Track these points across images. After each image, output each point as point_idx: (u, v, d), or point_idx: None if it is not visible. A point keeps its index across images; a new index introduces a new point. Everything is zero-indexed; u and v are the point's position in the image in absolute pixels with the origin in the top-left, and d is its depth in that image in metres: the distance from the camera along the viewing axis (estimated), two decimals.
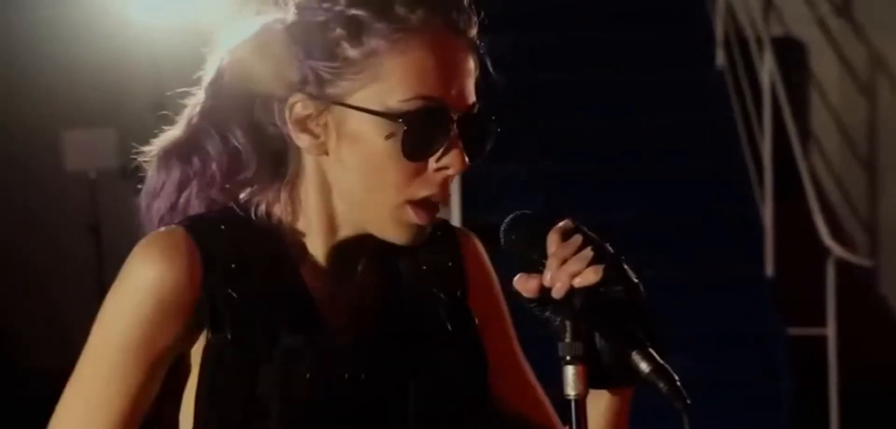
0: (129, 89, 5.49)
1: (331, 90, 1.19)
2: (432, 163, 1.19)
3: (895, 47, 5.86)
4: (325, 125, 1.20)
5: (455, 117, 1.19)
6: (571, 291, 1.14)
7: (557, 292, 1.15)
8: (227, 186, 1.25)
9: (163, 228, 1.23)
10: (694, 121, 5.16)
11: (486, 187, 4.58)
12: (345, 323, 1.23)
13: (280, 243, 1.24)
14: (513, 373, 1.33)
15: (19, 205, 5.92)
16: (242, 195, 1.24)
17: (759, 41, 5.20)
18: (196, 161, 1.26)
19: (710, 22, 5.48)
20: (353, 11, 1.19)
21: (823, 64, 5.94)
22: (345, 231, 1.24)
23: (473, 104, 1.22)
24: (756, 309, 4.68)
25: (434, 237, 1.26)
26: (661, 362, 1.14)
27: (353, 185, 1.21)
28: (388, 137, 1.18)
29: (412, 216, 1.20)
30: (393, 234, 1.22)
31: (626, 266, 1.16)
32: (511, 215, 1.21)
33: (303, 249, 1.24)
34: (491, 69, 1.27)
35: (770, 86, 4.92)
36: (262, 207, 1.24)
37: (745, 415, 4.45)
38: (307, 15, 1.21)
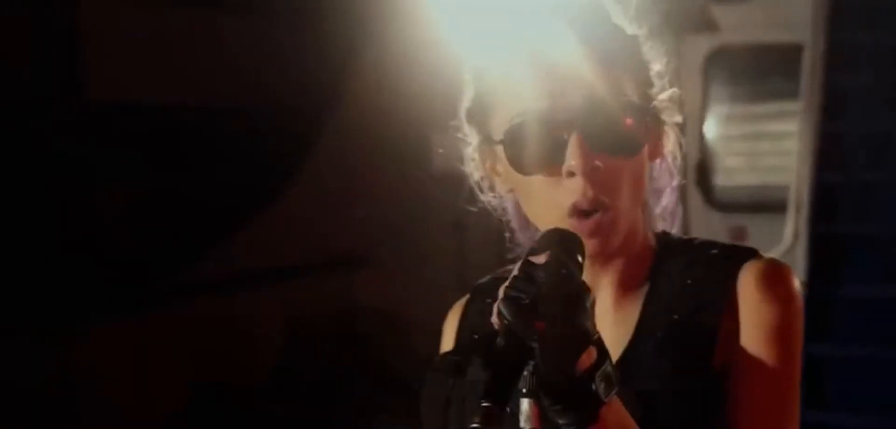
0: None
1: (482, 132, 1.29)
2: (563, 167, 1.19)
3: None
4: (500, 163, 1.28)
5: (566, 119, 1.18)
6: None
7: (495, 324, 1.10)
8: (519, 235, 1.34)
9: None
10: None
11: (843, 197, 4.45)
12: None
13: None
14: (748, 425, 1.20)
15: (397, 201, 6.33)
16: (521, 240, 1.35)
17: None
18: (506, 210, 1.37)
19: None
20: (480, 59, 1.27)
21: None
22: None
23: (602, 95, 1.19)
24: None
25: (713, 259, 1.23)
26: (489, 428, 1.04)
27: (529, 210, 1.27)
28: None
29: (576, 226, 1.20)
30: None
31: (544, 319, 1.07)
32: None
33: None
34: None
35: None
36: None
37: None
38: (468, 76, 1.31)
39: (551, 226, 1.19)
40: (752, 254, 1.25)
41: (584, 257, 1.16)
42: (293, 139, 5.76)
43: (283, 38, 5.40)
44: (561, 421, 1.09)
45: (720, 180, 6.03)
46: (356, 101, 6.14)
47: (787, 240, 4.56)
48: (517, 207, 1.33)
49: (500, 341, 1.08)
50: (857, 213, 4.56)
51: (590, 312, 1.09)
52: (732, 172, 6.17)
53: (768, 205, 5.43)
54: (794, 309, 1.22)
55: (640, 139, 1.21)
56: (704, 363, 1.21)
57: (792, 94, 5.23)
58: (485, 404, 1.05)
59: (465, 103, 1.32)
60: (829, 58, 4.83)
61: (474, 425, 1.05)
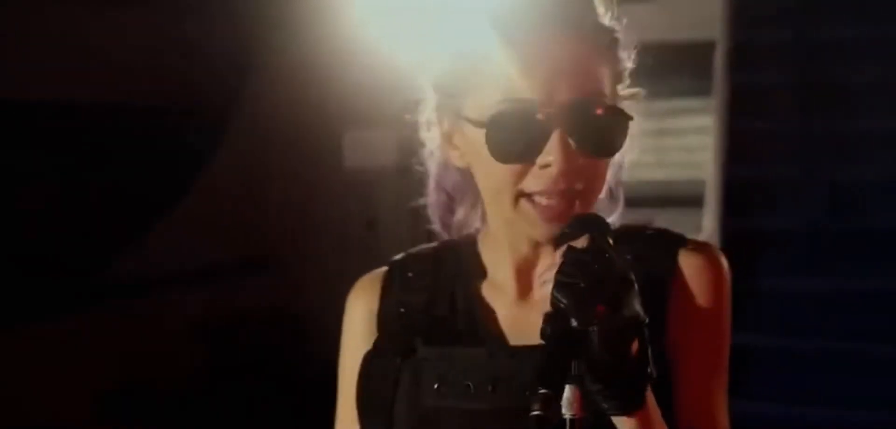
0: (408, 93, 5.73)
1: (454, 104, 1.28)
2: (538, 159, 1.21)
3: None
4: (460, 138, 1.29)
5: (552, 112, 1.20)
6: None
7: (541, 310, 1.12)
8: (452, 210, 1.35)
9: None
10: None
11: (754, 192, 4.52)
12: (526, 332, 1.25)
13: (469, 261, 1.32)
14: (691, 413, 1.23)
15: (308, 201, 6.28)
16: (457, 216, 1.35)
17: None
18: (442, 190, 1.39)
19: None
20: (462, 27, 1.27)
21: None
22: (524, 243, 1.28)
23: (589, 94, 1.22)
24: None
25: (653, 246, 1.27)
26: (548, 415, 1.06)
27: (485, 189, 1.28)
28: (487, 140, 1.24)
29: (529, 208, 1.23)
30: (522, 227, 1.25)
31: (603, 302, 1.09)
32: (577, 216, 1.20)
33: (493, 263, 1.31)
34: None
35: None
36: (467, 229, 1.34)
37: None
38: (442, 39, 1.31)
39: (509, 207, 1.21)
40: (684, 239, 1.29)
41: (614, 240, 1.18)
42: (201, 138, 5.68)
43: (190, 35, 5.31)
44: (606, 405, 1.10)
45: (627, 176, 6.09)
46: (266, 98, 6.07)
47: (705, 232, 4.62)
48: (467, 182, 1.32)
49: (546, 328, 1.09)
50: (768, 207, 4.64)
51: (638, 295, 1.11)
52: (640, 168, 6.24)
53: (675, 200, 5.50)
54: (728, 290, 1.26)
55: (618, 144, 1.24)
56: (658, 340, 1.23)
57: (703, 91, 5.30)
58: (542, 392, 1.06)
59: (438, 72, 1.31)
60: (738, 55, 4.89)
61: (535, 412, 1.06)
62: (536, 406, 1.06)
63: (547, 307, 1.20)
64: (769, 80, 4.86)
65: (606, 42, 1.25)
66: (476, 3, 1.28)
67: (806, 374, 4.25)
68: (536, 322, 1.20)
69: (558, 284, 1.10)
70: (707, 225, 4.63)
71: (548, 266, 1.16)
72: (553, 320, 1.10)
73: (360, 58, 5.73)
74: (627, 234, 1.31)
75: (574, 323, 1.09)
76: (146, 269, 5.33)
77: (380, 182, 5.84)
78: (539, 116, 1.20)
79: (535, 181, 1.22)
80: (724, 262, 1.28)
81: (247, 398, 5.47)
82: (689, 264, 1.26)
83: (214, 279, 5.76)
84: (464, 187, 1.34)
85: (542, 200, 1.21)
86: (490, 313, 1.29)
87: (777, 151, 4.78)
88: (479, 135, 1.23)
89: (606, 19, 1.27)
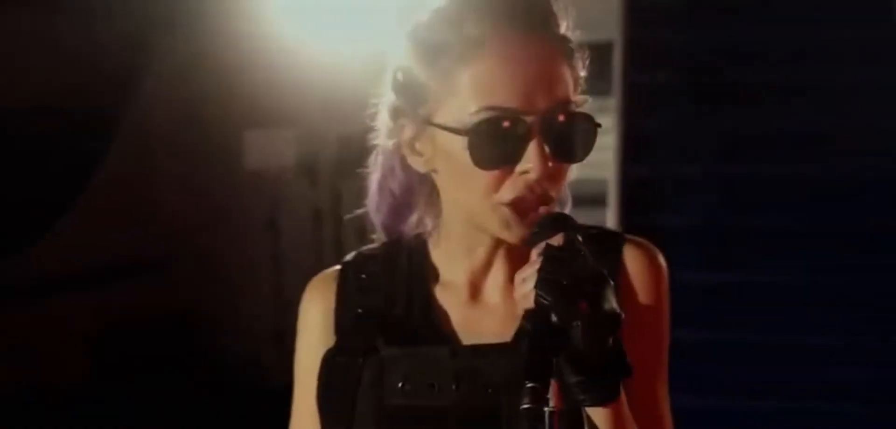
0: (308, 92, 5.68)
1: (420, 111, 1.30)
2: (517, 166, 1.25)
3: None
4: (426, 144, 1.31)
5: (530, 120, 1.23)
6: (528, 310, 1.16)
7: (518, 308, 1.19)
8: (405, 212, 1.37)
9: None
10: (880, 124, 5.03)
11: (653, 189, 4.58)
12: (479, 332, 1.31)
13: (422, 262, 1.34)
14: (636, 405, 1.27)
15: (206, 201, 6.19)
16: (413, 218, 1.37)
17: None
18: (387, 195, 1.39)
19: None
20: (430, 35, 1.29)
21: None
22: (482, 247, 1.33)
23: (561, 102, 1.26)
24: None
25: (599, 243, 1.29)
26: (539, 409, 1.11)
27: (457, 194, 1.31)
28: (465, 148, 1.26)
29: (508, 213, 1.26)
30: (499, 231, 1.30)
31: (585, 299, 1.14)
32: (546, 215, 1.25)
33: (445, 264, 1.34)
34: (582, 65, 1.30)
35: None
36: (421, 228, 1.35)
37: None
38: (407, 44, 1.32)
39: (482, 212, 1.25)
40: (624, 236, 1.35)
41: (583, 238, 1.23)
42: (90, 139, 5.56)
43: (79, 34, 5.20)
44: (583, 397, 1.16)
45: None
46: (161, 97, 5.97)
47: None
48: (421, 186, 1.34)
49: (527, 324, 1.16)
50: (666, 204, 4.72)
51: (613, 290, 1.17)
52: None
53: (580, 199, 5.57)
54: (667, 285, 1.34)
55: (588, 149, 1.27)
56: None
57: (603, 91, 5.37)
58: (531, 385, 1.11)
59: (402, 76, 1.31)
60: (636, 55, 4.96)
61: (525, 406, 1.11)
62: (526, 400, 1.11)
63: (497, 309, 1.28)
64: (667, 80, 4.95)
65: (568, 51, 1.29)
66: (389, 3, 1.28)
67: (702, 364, 4.33)
68: (488, 323, 1.29)
69: (541, 282, 1.15)
70: (610, 223, 4.71)
71: (529, 265, 1.21)
72: (535, 317, 1.15)
73: (261, 56, 5.69)
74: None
75: (555, 319, 1.14)
76: (36, 273, 5.21)
77: (280, 182, 5.79)
78: (520, 124, 1.22)
79: (511, 189, 1.25)
80: (662, 258, 1.34)
81: (141, 402, 5.37)
82: (631, 261, 1.31)
83: (107, 282, 5.65)
84: (417, 191, 1.34)
85: (520, 206, 1.25)
86: (444, 314, 1.32)
87: (674, 149, 4.86)
88: (454, 141, 1.25)
89: (566, 29, 1.32)
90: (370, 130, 1.40)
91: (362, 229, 1.42)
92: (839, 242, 4.67)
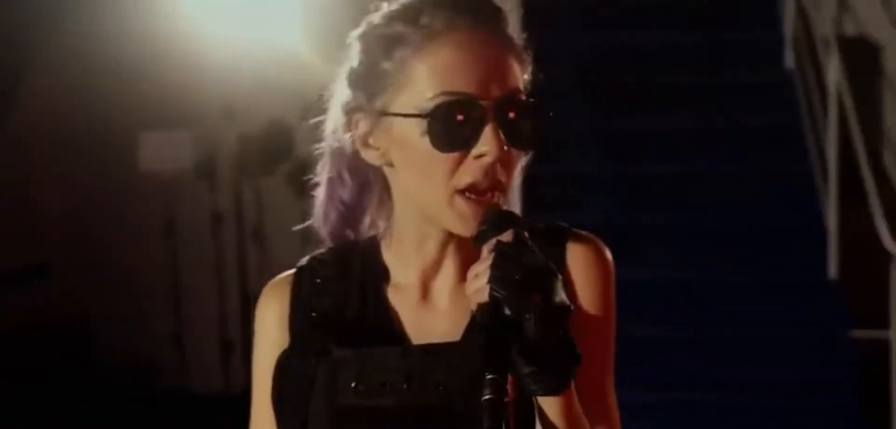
0: (205, 92, 5.62)
1: (376, 103, 1.31)
2: (474, 150, 1.28)
3: None
4: (381, 137, 1.32)
5: (486, 105, 1.27)
6: (484, 304, 1.20)
7: (471, 303, 1.22)
8: (357, 217, 1.37)
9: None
10: (762, 122, 5.17)
11: (552, 187, 4.64)
12: (430, 332, 1.32)
13: (374, 263, 1.36)
14: (584, 397, 1.29)
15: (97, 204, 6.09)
16: (365, 222, 1.37)
17: (826, 42, 5.19)
18: (336, 203, 1.39)
19: (780, 22, 5.48)
20: (387, 30, 1.30)
21: None
22: (432, 241, 1.33)
23: (512, 91, 1.30)
24: (820, 310, 4.69)
25: (544, 238, 1.31)
26: (500, 399, 1.15)
27: (411, 184, 1.31)
28: (423, 134, 1.28)
29: (464, 205, 1.28)
30: (454, 224, 1.30)
31: (537, 292, 1.18)
32: (493, 212, 1.28)
33: (397, 265, 1.35)
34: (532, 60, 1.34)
35: (836, 87, 4.91)
36: (371, 232, 1.36)
37: (811, 416, 4.46)
38: (360, 43, 1.33)
39: (438, 203, 1.28)
40: (569, 230, 1.37)
41: (530, 233, 1.27)
42: None
43: None
44: (535, 387, 1.19)
45: None
46: (48, 99, 5.84)
47: None
48: (373, 187, 1.36)
49: (480, 317, 1.19)
50: (567, 202, 4.78)
51: (562, 283, 1.22)
52: None
53: None
54: (613, 278, 1.36)
55: (537, 138, 1.31)
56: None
57: None
58: (490, 377, 1.15)
59: (359, 71, 1.33)
60: (535, 57, 5.02)
61: (487, 397, 1.15)
62: (487, 392, 1.15)
63: (447, 309, 1.30)
64: (565, 82, 5.02)
65: (517, 48, 1.34)
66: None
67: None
68: (439, 323, 1.30)
69: (495, 278, 1.19)
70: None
71: (480, 261, 1.24)
72: (488, 311, 1.18)
73: (156, 55, 5.61)
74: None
75: (508, 312, 1.18)
76: None
77: (177, 184, 5.71)
78: (476, 108, 1.26)
79: (467, 173, 1.28)
80: (608, 252, 1.36)
81: (33, 408, 5.25)
82: (575, 255, 1.33)
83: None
84: (369, 193, 1.35)
85: (473, 196, 1.27)
86: (396, 315, 1.34)
87: (574, 149, 4.93)
88: (411, 128, 1.28)
89: (511, 29, 1.35)
90: (273, 128, 1.40)
91: (262, 234, 1.41)
92: (735, 239, 4.79)
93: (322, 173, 1.39)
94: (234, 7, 5.37)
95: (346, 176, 1.36)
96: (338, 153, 1.36)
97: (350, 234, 1.38)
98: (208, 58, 5.51)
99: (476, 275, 1.21)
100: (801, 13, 5.42)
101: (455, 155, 1.27)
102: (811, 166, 5.01)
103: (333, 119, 1.37)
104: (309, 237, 1.43)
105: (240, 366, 5.80)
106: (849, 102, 4.86)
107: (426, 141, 1.27)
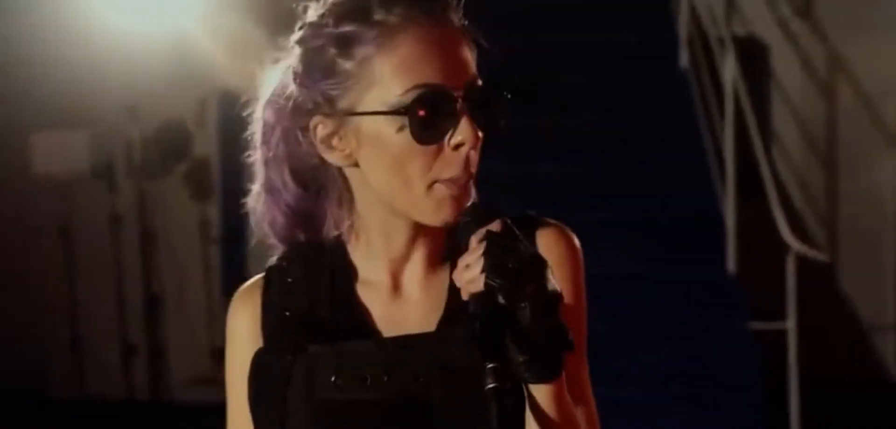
0: (101, 92, 5.51)
1: (341, 104, 1.28)
2: (448, 143, 1.27)
3: (854, 48, 5.97)
4: (347, 138, 1.29)
5: (458, 95, 1.27)
6: (477, 294, 1.20)
7: (463, 293, 1.21)
8: (312, 222, 1.33)
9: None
10: (658, 121, 5.25)
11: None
12: (403, 325, 1.31)
13: (342, 262, 1.34)
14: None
15: None
16: (325, 226, 1.34)
17: (721, 41, 5.29)
18: (281, 205, 1.35)
19: (675, 22, 5.57)
20: (340, 29, 1.27)
21: (784, 64, 6.05)
22: (400, 235, 1.32)
23: (475, 78, 1.29)
24: (719, 304, 4.78)
25: (514, 222, 1.30)
26: (502, 387, 1.17)
27: (385, 183, 1.29)
28: (399, 130, 1.26)
29: (445, 193, 1.28)
30: (430, 217, 1.29)
31: (532, 280, 1.19)
32: (471, 203, 1.28)
33: (364, 261, 1.33)
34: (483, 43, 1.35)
35: (732, 86, 5.01)
36: (335, 231, 1.34)
37: (711, 407, 4.54)
38: (307, 45, 1.30)
39: (413, 196, 1.27)
40: (539, 219, 1.37)
41: (514, 223, 1.27)
42: None
43: None
44: (528, 374, 1.20)
45: None
46: None
47: None
48: (334, 190, 1.33)
49: (473, 307, 1.19)
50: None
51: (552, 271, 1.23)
52: None
53: None
54: (582, 266, 1.38)
55: (500, 123, 1.31)
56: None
57: None
58: (491, 366, 1.16)
59: (304, 70, 1.29)
60: None
61: (490, 386, 1.16)
62: (489, 380, 1.16)
63: (418, 301, 1.30)
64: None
65: (468, 37, 1.33)
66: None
67: None
68: (411, 315, 1.30)
69: (490, 267, 1.19)
70: None
71: (470, 252, 1.23)
72: (483, 300, 1.19)
73: (51, 53, 5.48)
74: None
75: (502, 301, 1.18)
76: None
77: (73, 187, 5.57)
78: (450, 99, 1.26)
79: (446, 166, 1.27)
80: (577, 240, 1.38)
81: None
82: (546, 244, 1.33)
83: None
84: (323, 197, 1.33)
85: (453, 187, 1.27)
86: (367, 311, 1.33)
87: (504, 149, 4.95)
88: (383, 125, 1.26)
89: (458, 20, 1.34)
90: (169, 128, 1.37)
91: (164, 235, 1.37)
92: (634, 236, 4.86)
93: (256, 183, 1.36)
94: (127, 3, 5.26)
95: (290, 181, 1.33)
96: (274, 161, 1.33)
97: (300, 235, 1.35)
98: (104, 56, 5.40)
99: (467, 265, 1.21)
100: (694, 14, 5.53)
101: (433, 147, 1.26)
102: (708, 163, 5.11)
103: (264, 126, 1.33)
104: (208, 238, 1.41)
105: (143, 370, 5.71)
106: (745, 101, 4.97)
107: (401, 137, 1.26)
